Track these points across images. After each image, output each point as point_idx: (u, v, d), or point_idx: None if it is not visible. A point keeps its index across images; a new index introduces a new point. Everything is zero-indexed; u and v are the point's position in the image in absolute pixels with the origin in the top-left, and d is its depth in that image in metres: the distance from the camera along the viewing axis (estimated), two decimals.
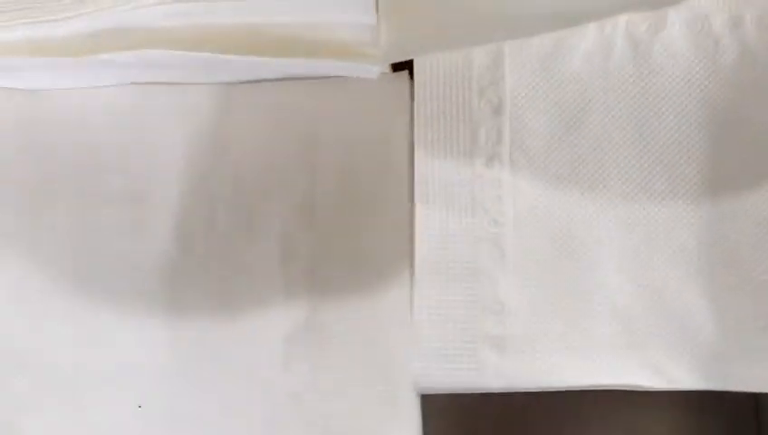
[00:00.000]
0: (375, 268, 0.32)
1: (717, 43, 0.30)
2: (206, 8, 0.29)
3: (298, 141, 0.32)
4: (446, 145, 0.31)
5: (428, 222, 0.31)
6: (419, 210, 0.31)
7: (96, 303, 0.32)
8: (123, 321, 0.32)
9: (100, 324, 0.32)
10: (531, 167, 0.31)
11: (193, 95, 0.33)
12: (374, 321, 0.31)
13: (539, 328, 0.30)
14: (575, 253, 0.31)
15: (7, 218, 0.33)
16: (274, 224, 0.32)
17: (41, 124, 0.33)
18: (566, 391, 0.31)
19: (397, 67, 0.33)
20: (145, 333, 0.32)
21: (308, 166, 0.32)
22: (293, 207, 0.32)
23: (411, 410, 0.31)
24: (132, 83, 0.33)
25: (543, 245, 0.31)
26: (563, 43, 0.31)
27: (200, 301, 0.32)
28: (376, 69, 0.29)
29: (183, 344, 0.32)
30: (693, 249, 0.30)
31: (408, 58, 0.30)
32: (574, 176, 0.31)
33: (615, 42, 0.31)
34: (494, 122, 0.31)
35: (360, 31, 0.29)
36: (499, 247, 0.31)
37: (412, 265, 0.31)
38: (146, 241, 0.32)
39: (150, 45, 0.29)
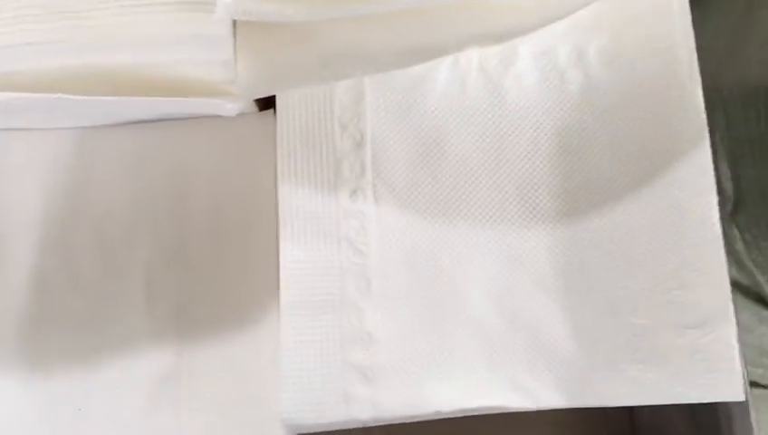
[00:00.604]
0: (243, 307, 0.31)
1: (563, 74, 0.32)
2: (55, 49, 0.28)
3: (162, 184, 0.32)
4: (310, 180, 0.31)
5: (293, 256, 0.31)
6: (284, 245, 0.31)
7: None
8: None
9: None
10: (394, 197, 0.32)
11: (50, 141, 0.32)
12: (243, 360, 0.31)
13: (407, 355, 0.31)
14: (439, 278, 0.31)
15: None
16: (140, 269, 0.32)
17: None
18: None
19: (264, 106, 0.33)
20: (1, 392, 0.31)
21: (174, 208, 0.32)
22: (160, 250, 0.32)
23: None
24: None
25: (409, 272, 0.31)
26: (421, 79, 0.32)
27: (62, 354, 0.31)
28: (232, 106, 0.29)
29: (43, 400, 0.31)
30: (550, 272, 0.31)
31: (266, 94, 0.31)
32: (436, 205, 0.32)
33: (469, 76, 0.32)
34: (357, 156, 0.32)
35: (217, 68, 0.29)
36: (365, 278, 0.31)
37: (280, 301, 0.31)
38: (2, 294, 0.31)
39: (4, 89, 0.28)
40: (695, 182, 0.31)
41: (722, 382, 0.30)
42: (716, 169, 0.53)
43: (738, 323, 0.56)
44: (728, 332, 0.30)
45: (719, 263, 0.31)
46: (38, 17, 0.28)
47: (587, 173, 0.32)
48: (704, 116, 0.32)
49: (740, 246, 0.53)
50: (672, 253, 0.31)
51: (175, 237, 0.32)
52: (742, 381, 0.30)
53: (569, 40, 0.32)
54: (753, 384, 0.58)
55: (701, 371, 0.30)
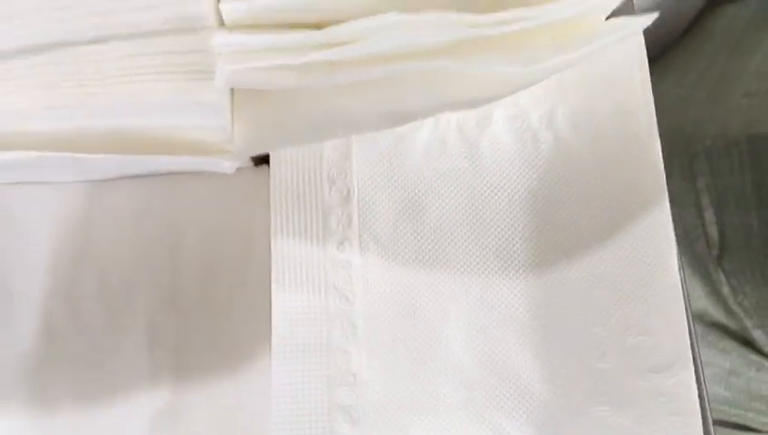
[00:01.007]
0: (237, 351, 0.34)
1: (536, 136, 0.35)
2: (69, 114, 0.30)
3: (160, 234, 0.35)
4: (301, 231, 0.34)
5: (285, 303, 0.33)
6: (276, 292, 0.33)
7: None
8: None
9: None
10: (378, 248, 0.34)
11: (56, 194, 0.35)
12: (236, 403, 0.33)
13: (390, 395, 0.33)
14: (422, 325, 0.34)
15: None
16: (140, 314, 0.34)
17: None
18: None
19: (258, 162, 0.36)
20: (9, 430, 0.33)
21: (172, 256, 0.35)
22: (159, 296, 0.34)
23: None
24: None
25: (392, 317, 0.34)
26: (404, 139, 0.35)
27: (65, 394, 0.33)
28: (229, 164, 0.31)
29: None
30: (525, 319, 0.34)
31: (259, 153, 0.33)
32: (417, 255, 0.34)
33: (448, 136, 0.35)
34: (344, 209, 0.34)
35: (216, 131, 0.32)
36: (351, 323, 0.33)
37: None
38: (10, 337, 0.33)
39: (18, 148, 0.30)
40: (655, 235, 0.33)
41: (683, 424, 0.32)
42: (701, 215, 0.55)
43: (727, 367, 0.57)
44: (689, 375, 0.32)
45: (679, 310, 0.33)
46: (54, 84, 0.31)
47: (558, 226, 0.34)
48: (663, 175, 0.34)
49: (726, 290, 0.54)
50: (637, 301, 0.33)
51: (172, 284, 0.34)
52: (701, 422, 0.32)
53: (540, 105, 0.35)
54: (744, 428, 0.59)
55: (664, 413, 0.32)
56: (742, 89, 0.55)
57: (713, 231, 0.55)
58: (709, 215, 0.55)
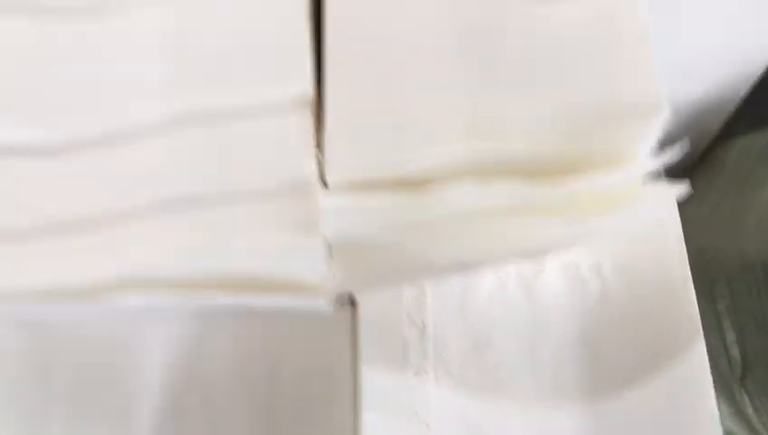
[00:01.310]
0: None
1: (585, 283, 0.41)
2: (186, 262, 0.35)
3: (258, 360, 0.40)
4: (384, 362, 0.39)
5: (371, 427, 0.38)
6: (363, 417, 0.38)
7: None
8: None
9: None
10: (450, 378, 0.39)
11: (174, 326, 0.40)
12: None
13: None
14: None
15: None
16: (242, 428, 0.39)
17: (44, 349, 0.40)
18: None
19: (342, 301, 0.41)
20: None
21: (268, 382, 0.39)
22: (256, 416, 0.39)
23: None
24: (123, 313, 0.40)
25: None
26: (471, 283, 0.41)
27: None
28: (325, 303, 0.37)
29: None
30: None
31: (353, 292, 0.39)
32: (483, 386, 0.39)
33: (509, 281, 0.41)
34: (421, 344, 0.40)
35: (314, 274, 0.37)
36: None
37: None
38: None
39: (151, 288, 0.35)
40: (693, 375, 0.38)
41: None
42: (723, 337, 0.59)
43: None
44: None
45: None
46: (174, 238, 0.34)
47: (605, 363, 0.39)
48: (699, 322, 0.39)
49: (750, 410, 0.57)
50: (679, 430, 0.38)
51: (268, 407, 0.39)
52: None
53: (588, 256, 0.41)
54: None
55: None
56: (755, 219, 0.59)
57: (735, 352, 0.58)
58: (731, 337, 0.58)
